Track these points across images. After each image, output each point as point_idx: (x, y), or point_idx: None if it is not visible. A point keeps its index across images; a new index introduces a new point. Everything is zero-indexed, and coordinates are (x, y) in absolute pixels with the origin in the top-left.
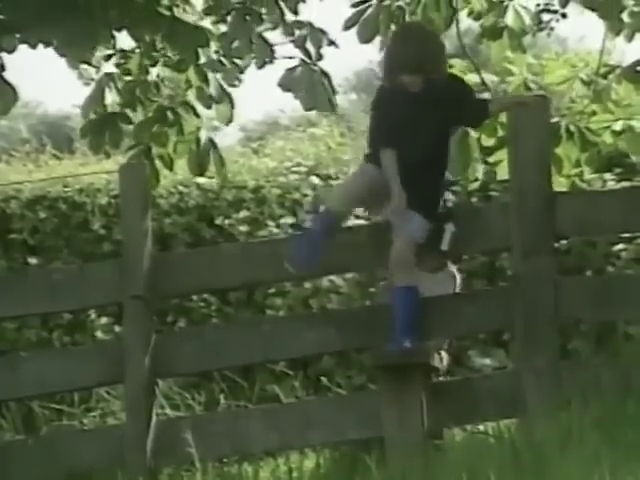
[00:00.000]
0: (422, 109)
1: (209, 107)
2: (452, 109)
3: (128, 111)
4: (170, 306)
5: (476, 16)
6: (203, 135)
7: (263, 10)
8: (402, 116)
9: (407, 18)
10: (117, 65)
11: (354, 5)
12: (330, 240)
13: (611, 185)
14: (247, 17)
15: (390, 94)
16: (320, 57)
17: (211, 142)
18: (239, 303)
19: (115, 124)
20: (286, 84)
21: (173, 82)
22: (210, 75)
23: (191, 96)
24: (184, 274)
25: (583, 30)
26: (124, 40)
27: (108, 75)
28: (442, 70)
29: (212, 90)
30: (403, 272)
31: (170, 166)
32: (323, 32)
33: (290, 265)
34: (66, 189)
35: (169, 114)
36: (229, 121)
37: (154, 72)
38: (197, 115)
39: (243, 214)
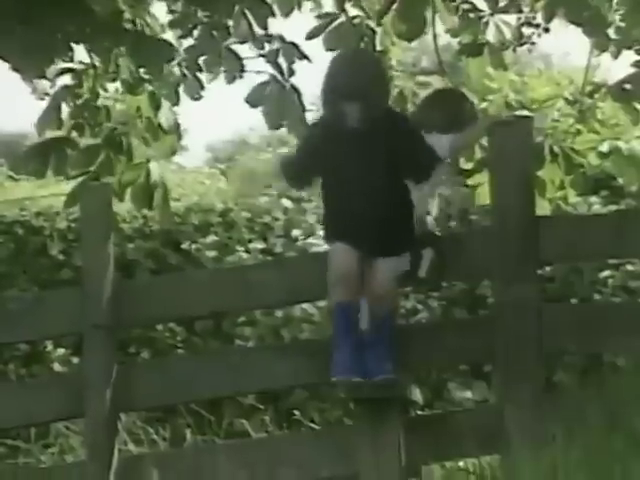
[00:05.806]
0: (361, 150)
1: (156, 139)
2: (397, 156)
3: (76, 136)
4: (133, 336)
5: (454, 33)
6: (154, 168)
7: (230, 23)
8: (337, 160)
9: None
10: (66, 87)
11: (319, 17)
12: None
13: (597, 209)
14: (214, 31)
15: (325, 131)
16: (292, 73)
17: (160, 178)
18: (206, 333)
19: (61, 149)
20: (254, 100)
21: (124, 107)
22: (163, 102)
23: (141, 125)
24: (148, 302)
25: (568, 46)
26: (79, 56)
27: (65, 89)
28: (384, 101)
29: (162, 119)
30: (387, 298)
31: (120, 196)
32: (295, 46)
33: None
34: (23, 212)
35: (122, 140)
36: (172, 153)
37: (109, 90)
38: (147, 144)
39: (211, 239)
